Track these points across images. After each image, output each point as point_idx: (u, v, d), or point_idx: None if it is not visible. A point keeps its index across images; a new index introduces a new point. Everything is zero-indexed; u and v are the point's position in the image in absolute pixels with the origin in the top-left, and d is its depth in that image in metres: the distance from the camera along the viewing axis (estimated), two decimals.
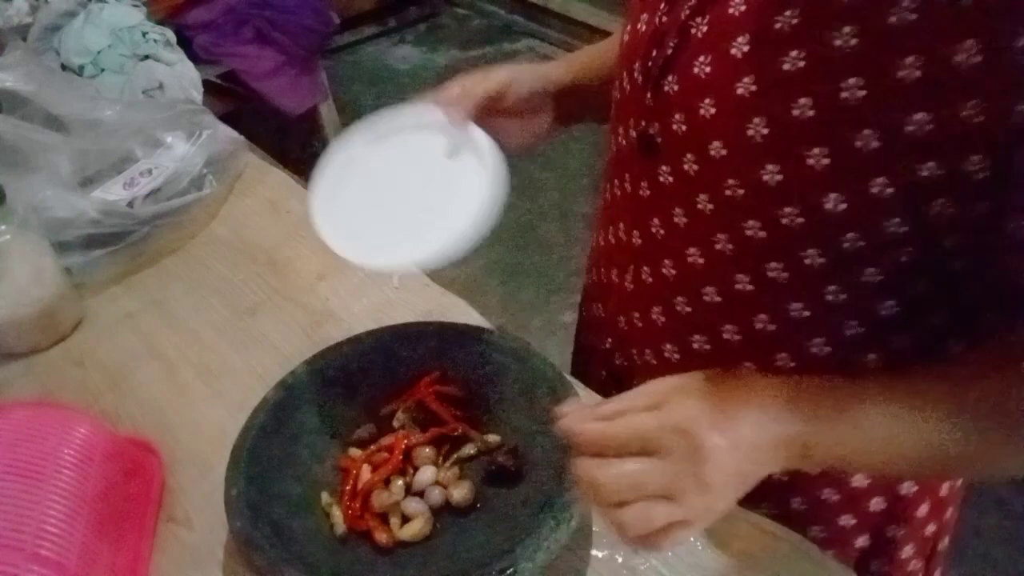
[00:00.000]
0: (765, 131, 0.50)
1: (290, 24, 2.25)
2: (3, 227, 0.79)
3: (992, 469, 0.51)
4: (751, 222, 0.54)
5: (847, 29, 0.45)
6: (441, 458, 0.69)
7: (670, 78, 0.56)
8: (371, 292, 0.90)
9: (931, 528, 0.71)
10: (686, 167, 0.56)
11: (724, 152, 0.53)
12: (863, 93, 0.45)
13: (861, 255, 0.51)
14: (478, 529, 0.64)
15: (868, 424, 0.48)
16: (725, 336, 0.61)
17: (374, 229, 0.61)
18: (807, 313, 0.56)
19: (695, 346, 0.63)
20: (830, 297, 0.54)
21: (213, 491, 0.64)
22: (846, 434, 0.48)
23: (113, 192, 0.96)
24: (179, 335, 0.86)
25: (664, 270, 0.62)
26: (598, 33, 3.54)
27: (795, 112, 0.48)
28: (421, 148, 0.65)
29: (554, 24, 3.73)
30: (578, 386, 0.73)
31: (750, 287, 0.57)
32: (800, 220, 0.51)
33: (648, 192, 0.62)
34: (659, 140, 0.58)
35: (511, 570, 0.55)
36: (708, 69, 0.53)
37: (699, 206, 0.57)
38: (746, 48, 0.50)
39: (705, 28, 0.54)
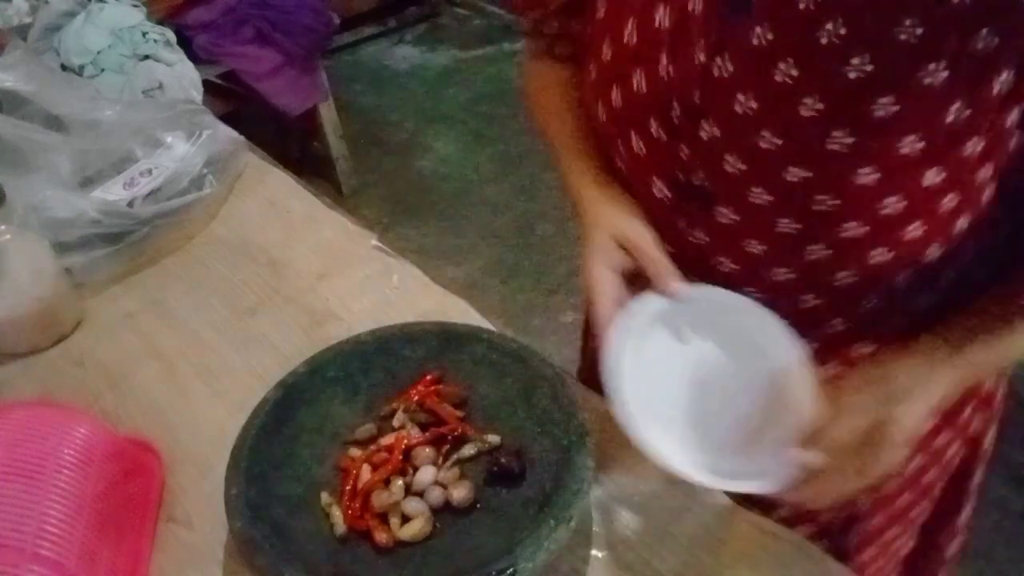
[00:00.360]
0: (850, 140, 0.50)
1: (290, 24, 2.25)
2: (3, 227, 0.79)
3: None
4: (852, 222, 0.53)
5: (908, 22, 0.46)
6: (441, 458, 0.69)
7: (705, 125, 0.55)
8: (371, 292, 0.90)
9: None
10: (755, 200, 0.55)
11: (807, 174, 0.52)
12: (945, 74, 0.46)
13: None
14: (478, 529, 0.64)
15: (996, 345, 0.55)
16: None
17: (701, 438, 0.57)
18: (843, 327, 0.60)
19: None
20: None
21: (213, 491, 0.64)
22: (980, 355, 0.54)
23: (113, 192, 0.96)
24: (179, 335, 0.86)
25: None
26: None
27: (878, 113, 0.48)
28: (721, 341, 0.59)
29: None
30: (578, 386, 0.73)
31: (816, 302, 0.59)
32: (901, 205, 0.52)
33: (707, 240, 0.60)
34: (710, 187, 0.57)
35: (511, 570, 0.55)
36: (755, 104, 0.52)
37: (779, 230, 0.56)
38: (795, 72, 0.50)
39: (731, 67, 0.53)
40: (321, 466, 0.69)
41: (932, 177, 0.50)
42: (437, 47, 3.74)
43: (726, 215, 0.58)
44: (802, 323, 0.57)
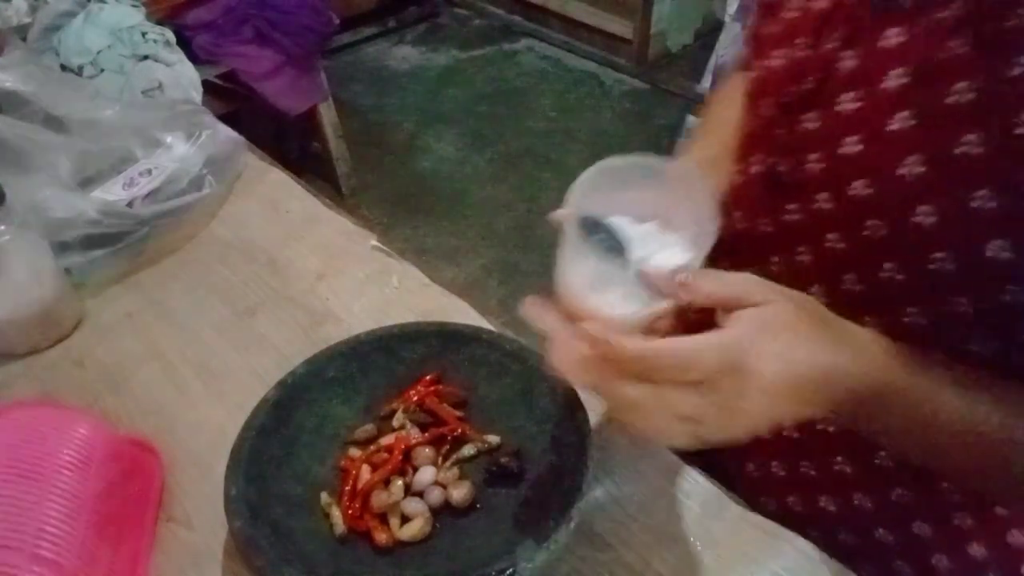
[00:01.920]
0: (921, 170, 0.46)
1: (290, 24, 2.25)
2: (3, 227, 0.79)
3: None
4: (889, 265, 0.49)
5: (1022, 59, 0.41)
6: (441, 458, 0.69)
7: (810, 115, 0.53)
8: (371, 292, 0.90)
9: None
10: (817, 206, 0.53)
11: (869, 191, 0.49)
12: None
13: (1014, 304, 0.46)
14: (478, 529, 0.64)
15: (915, 419, 0.46)
16: None
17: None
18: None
19: None
20: (974, 347, 0.49)
21: (213, 491, 0.64)
22: (889, 419, 0.46)
23: (113, 192, 0.96)
24: (179, 335, 0.86)
25: None
26: (597, 33, 3.54)
27: (959, 150, 0.44)
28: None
29: (554, 24, 3.74)
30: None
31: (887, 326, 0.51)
32: (951, 266, 0.46)
33: (770, 229, 0.59)
34: (788, 179, 0.56)
35: (511, 570, 0.55)
36: (855, 105, 0.50)
37: (828, 244, 0.53)
38: (904, 80, 0.47)
39: (854, 63, 0.51)
40: (321, 466, 0.69)
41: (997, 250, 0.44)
42: (437, 47, 3.74)
43: (792, 212, 0.56)
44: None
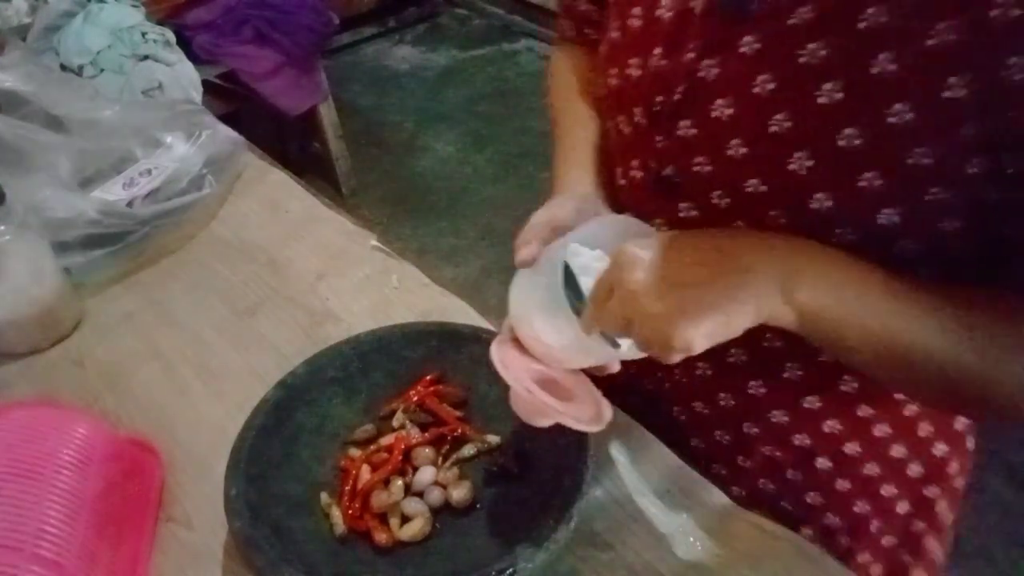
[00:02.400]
0: (810, 164, 0.49)
1: (290, 24, 2.25)
2: (2, 227, 0.79)
3: (987, 389, 0.48)
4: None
5: (882, 55, 0.45)
6: (441, 458, 0.69)
7: (685, 122, 0.56)
8: (371, 292, 0.90)
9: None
10: (715, 202, 0.56)
11: (764, 188, 0.52)
12: (910, 116, 0.45)
13: (910, 259, 0.50)
14: (478, 529, 0.64)
15: (861, 282, 0.47)
16: (765, 343, 0.61)
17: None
18: None
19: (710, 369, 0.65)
20: None
21: (213, 491, 0.64)
22: (832, 282, 0.47)
23: (113, 192, 0.96)
24: (179, 335, 0.86)
25: None
26: None
27: (841, 142, 0.48)
28: None
29: (554, 24, 3.73)
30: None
31: None
32: (852, 236, 0.51)
33: (666, 228, 0.61)
34: (678, 180, 0.58)
35: (511, 570, 0.55)
36: (730, 111, 0.52)
37: None
38: (772, 85, 0.50)
39: (716, 71, 0.53)
40: (321, 466, 0.69)
41: (888, 216, 0.49)
42: (437, 47, 3.74)
43: (687, 210, 0.59)
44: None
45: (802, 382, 0.63)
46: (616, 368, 0.59)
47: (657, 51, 0.57)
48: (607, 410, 0.58)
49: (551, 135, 0.76)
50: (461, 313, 0.85)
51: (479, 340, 0.74)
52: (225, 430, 0.68)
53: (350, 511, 0.64)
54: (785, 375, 0.63)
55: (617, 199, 0.67)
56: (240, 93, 2.27)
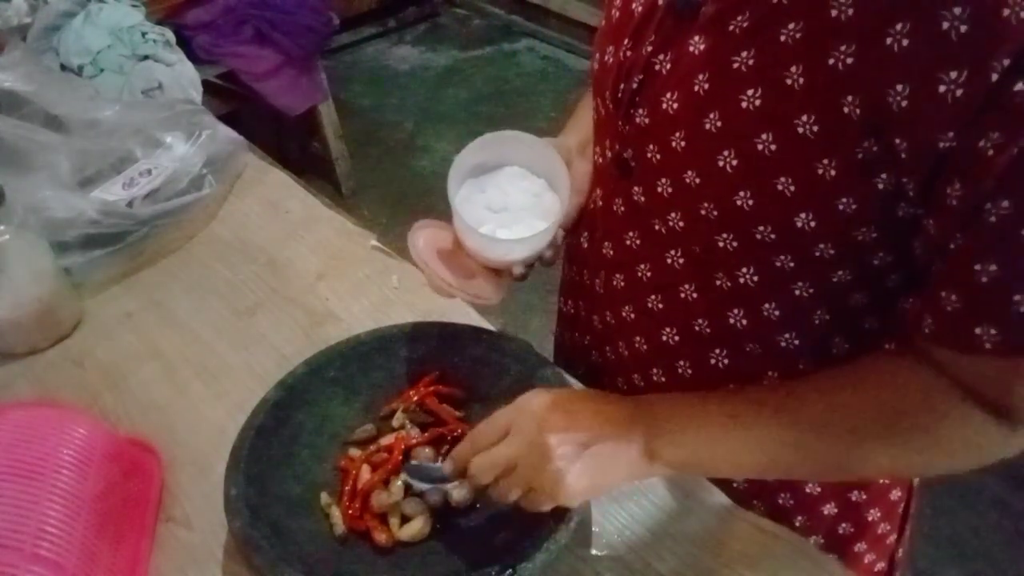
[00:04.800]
0: (735, 162, 0.52)
1: (290, 24, 2.24)
2: (2, 227, 0.79)
3: (850, 471, 0.57)
4: (725, 235, 0.57)
5: (794, 68, 0.48)
6: (441, 458, 0.69)
7: (640, 111, 0.58)
8: (371, 292, 0.90)
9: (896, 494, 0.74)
10: (660, 190, 0.59)
11: (698, 180, 0.55)
12: (816, 128, 0.48)
13: (829, 260, 0.54)
14: (478, 529, 0.64)
15: (710, 427, 0.56)
16: (696, 329, 0.63)
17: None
18: (777, 312, 0.59)
19: (664, 339, 0.66)
20: (799, 293, 0.58)
21: (213, 491, 0.64)
22: (688, 437, 0.56)
23: (112, 192, 0.96)
24: (179, 335, 0.86)
25: (639, 274, 0.65)
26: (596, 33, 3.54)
27: (759, 146, 0.50)
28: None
29: (554, 24, 3.73)
30: (578, 386, 0.73)
31: (728, 284, 0.60)
32: (773, 236, 0.54)
33: (623, 209, 0.64)
34: (633, 164, 0.61)
35: (511, 570, 0.55)
36: (676, 105, 0.55)
37: (670, 224, 0.60)
38: (707, 85, 0.53)
39: (668, 65, 0.56)
40: (321, 466, 0.69)
41: (804, 220, 0.52)
42: (437, 47, 3.74)
43: (637, 195, 0.62)
44: (685, 309, 0.63)
45: (765, 359, 0.65)
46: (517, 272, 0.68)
47: (626, 42, 0.60)
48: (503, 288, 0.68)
49: None
50: (461, 313, 0.85)
51: (479, 340, 0.74)
52: (225, 430, 0.69)
53: (350, 511, 0.64)
54: (747, 349, 0.64)
55: (592, 177, 0.72)
56: (240, 93, 2.27)
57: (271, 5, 2.22)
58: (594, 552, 0.63)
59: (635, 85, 0.58)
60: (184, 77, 1.73)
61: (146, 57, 1.68)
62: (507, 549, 0.57)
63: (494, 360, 0.73)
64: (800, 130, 0.48)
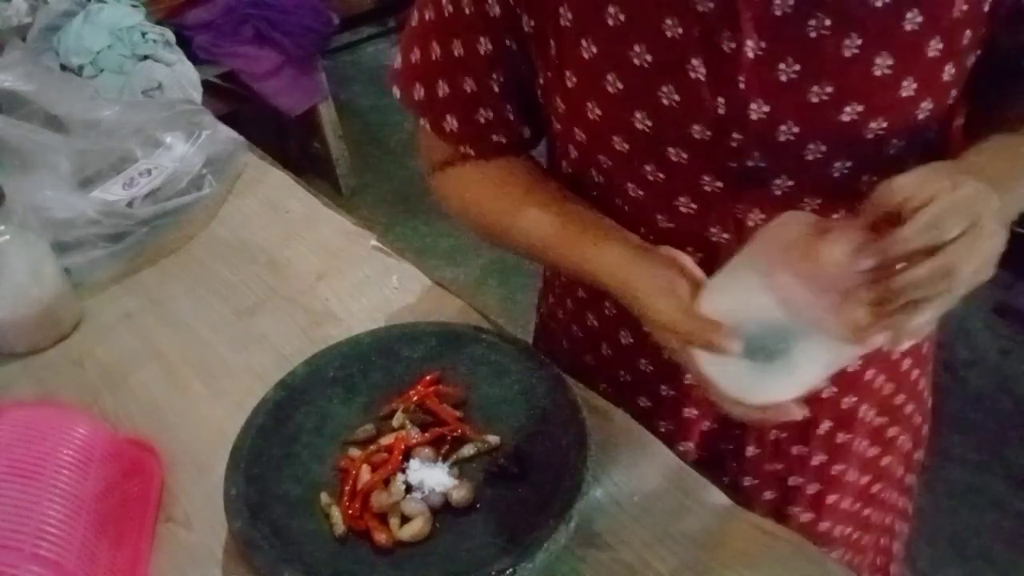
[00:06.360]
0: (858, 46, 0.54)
1: (289, 24, 2.25)
2: (2, 227, 0.79)
3: None
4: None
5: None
6: (441, 458, 0.69)
7: (754, 105, 0.56)
8: (371, 292, 0.90)
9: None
10: (808, 156, 0.58)
11: (861, 107, 0.56)
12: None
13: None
14: (478, 529, 0.64)
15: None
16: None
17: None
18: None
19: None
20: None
21: (213, 491, 0.64)
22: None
23: (112, 192, 0.96)
24: (179, 335, 0.86)
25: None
26: None
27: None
28: None
29: None
30: (578, 386, 0.73)
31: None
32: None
33: (762, 216, 0.61)
34: (762, 164, 0.59)
35: (511, 570, 0.55)
36: (798, 67, 0.55)
37: (835, 174, 0.59)
38: (828, 22, 0.54)
39: (764, 43, 0.55)
40: (321, 466, 0.69)
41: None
42: None
43: (781, 185, 0.60)
44: None
45: None
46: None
47: (693, 62, 0.56)
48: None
49: (521, 249, 0.72)
50: (461, 313, 0.85)
51: (479, 340, 0.74)
52: (225, 430, 0.68)
53: (350, 511, 0.64)
54: None
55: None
56: (240, 93, 2.27)
57: (271, 5, 2.22)
58: (594, 552, 0.63)
59: (741, 85, 0.56)
60: (184, 77, 1.74)
61: (146, 57, 1.69)
62: (507, 549, 0.57)
63: (494, 360, 0.73)
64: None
